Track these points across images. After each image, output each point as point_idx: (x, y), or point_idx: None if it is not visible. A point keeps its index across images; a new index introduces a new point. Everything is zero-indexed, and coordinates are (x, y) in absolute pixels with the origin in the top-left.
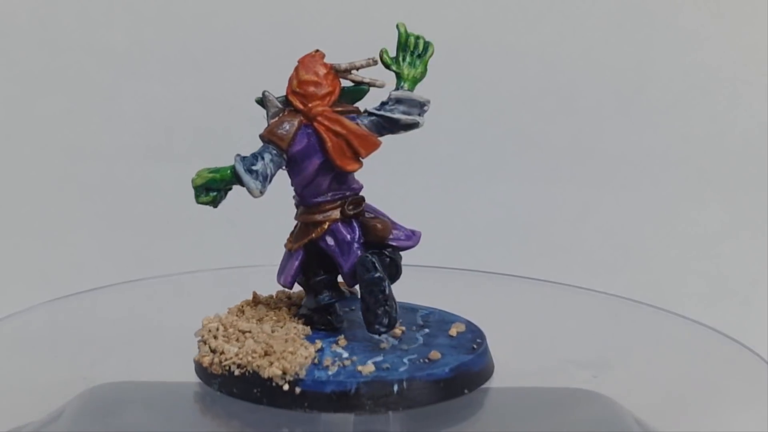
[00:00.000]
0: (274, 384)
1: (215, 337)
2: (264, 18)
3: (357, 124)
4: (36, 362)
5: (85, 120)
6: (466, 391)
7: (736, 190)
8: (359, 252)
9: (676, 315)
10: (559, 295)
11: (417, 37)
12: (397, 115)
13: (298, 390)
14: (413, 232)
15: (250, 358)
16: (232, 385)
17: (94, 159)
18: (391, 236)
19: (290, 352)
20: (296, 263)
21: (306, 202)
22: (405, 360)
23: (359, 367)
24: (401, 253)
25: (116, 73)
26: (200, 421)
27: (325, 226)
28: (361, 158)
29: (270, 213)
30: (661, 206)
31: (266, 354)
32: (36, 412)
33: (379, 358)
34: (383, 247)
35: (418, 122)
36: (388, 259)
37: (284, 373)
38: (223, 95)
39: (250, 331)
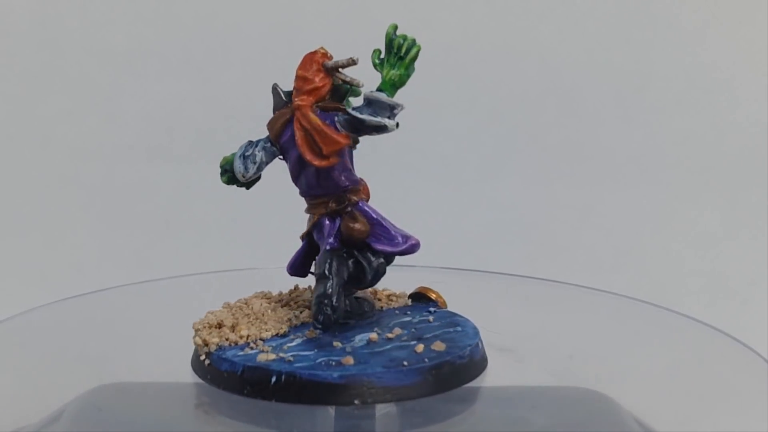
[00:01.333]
0: (201, 357)
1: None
2: (264, 18)
3: (328, 122)
4: (36, 363)
5: (86, 120)
6: (356, 401)
7: (735, 190)
8: (327, 247)
9: (677, 313)
10: (559, 294)
11: (403, 39)
12: (363, 116)
13: (207, 363)
14: (405, 238)
15: (205, 332)
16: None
17: (94, 159)
18: (371, 238)
19: (231, 327)
20: (299, 252)
21: (302, 195)
22: (319, 360)
23: (264, 355)
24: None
25: (116, 73)
26: (200, 421)
27: (315, 219)
28: (324, 155)
29: (270, 214)
30: (662, 206)
31: (218, 326)
32: (36, 413)
33: (306, 353)
34: (360, 248)
35: (386, 125)
36: (352, 260)
37: (205, 344)
38: (223, 95)
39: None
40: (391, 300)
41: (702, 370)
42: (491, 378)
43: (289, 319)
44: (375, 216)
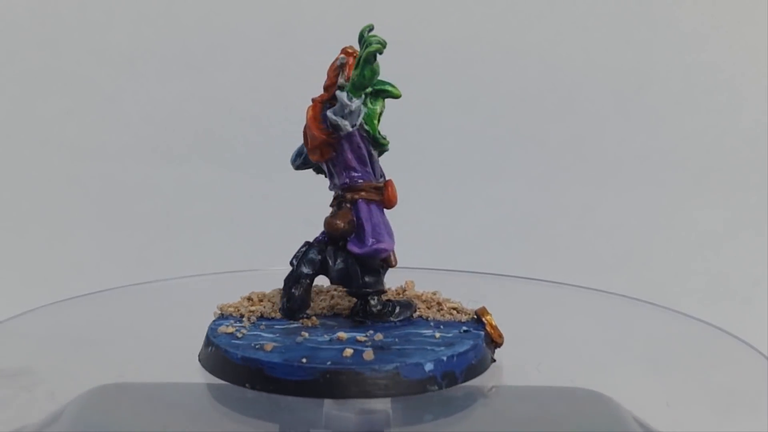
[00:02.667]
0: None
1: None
2: (264, 18)
3: (321, 118)
4: (36, 363)
5: (86, 120)
6: (246, 385)
7: (736, 190)
8: (312, 239)
9: (677, 313)
10: (560, 294)
11: (368, 39)
12: (328, 113)
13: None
14: (376, 242)
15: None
16: None
17: (94, 159)
18: (351, 238)
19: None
20: None
21: None
22: (253, 342)
23: (224, 328)
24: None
25: (116, 73)
26: (200, 421)
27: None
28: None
29: (270, 215)
30: (662, 206)
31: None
32: (36, 412)
33: (267, 334)
34: (341, 246)
35: (339, 125)
36: (319, 256)
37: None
38: (223, 95)
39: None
40: (450, 313)
41: (703, 370)
42: (491, 378)
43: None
44: (363, 217)
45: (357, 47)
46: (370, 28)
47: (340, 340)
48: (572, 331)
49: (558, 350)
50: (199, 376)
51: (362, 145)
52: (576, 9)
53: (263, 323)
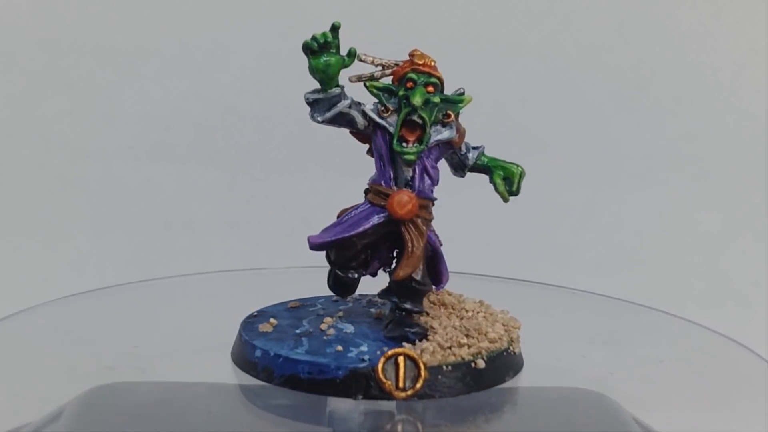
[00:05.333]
0: None
1: None
2: (264, 18)
3: None
4: (36, 362)
5: (85, 120)
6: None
7: (737, 191)
8: None
9: (676, 317)
10: (559, 297)
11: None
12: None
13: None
14: (323, 234)
15: None
16: None
17: (94, 159)
18: None
19: None
20: None
21: None
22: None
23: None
24: None
25: (116, 73)
26: (200, 421)
27: None
28: None
29: (270, 215)
30: (662, 207)
31: None
32: (36, 412)
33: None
34: None
35: (311, 115)
36: None
37: None
38: (222, 95)
39: None
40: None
41: (702, 372)
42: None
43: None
44: (352, 212)
45: (366, 51)
46: (335, 26)
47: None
48: (572, 333)
49: (558, 350)
50: (200, 375)
51: (382, 144)
52: (576, 9)
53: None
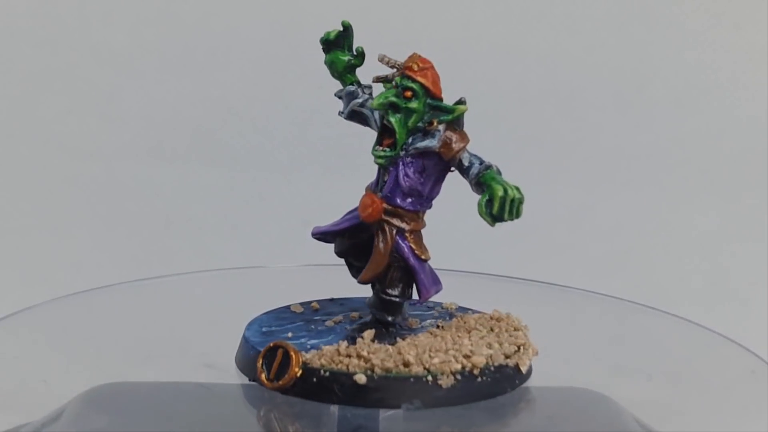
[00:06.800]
0: None
1: None
2: (264, 18)
3: None
4: (36, 362)
5: (85, 120)
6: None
7: (735, 191)
8: None
9: (676, 317)
10: (558, 296)
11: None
12: None
13: None
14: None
15: None
16: None
17: (94, 159)
18: None
19: None
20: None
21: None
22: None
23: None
24: None
25: (116, 73)
26: (202, 421)
27: None
28: None
29: (270, 215)
30: (661, 207)
31: None
32: (36, 412)
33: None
34: None
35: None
36: None
37: None
38: (223, 95)
39: None
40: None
41: (702, 372)
42: None
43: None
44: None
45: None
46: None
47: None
48: (572, 333)
49: (558, 350)
50: (200, 375)
51: None
52: (576, 9)
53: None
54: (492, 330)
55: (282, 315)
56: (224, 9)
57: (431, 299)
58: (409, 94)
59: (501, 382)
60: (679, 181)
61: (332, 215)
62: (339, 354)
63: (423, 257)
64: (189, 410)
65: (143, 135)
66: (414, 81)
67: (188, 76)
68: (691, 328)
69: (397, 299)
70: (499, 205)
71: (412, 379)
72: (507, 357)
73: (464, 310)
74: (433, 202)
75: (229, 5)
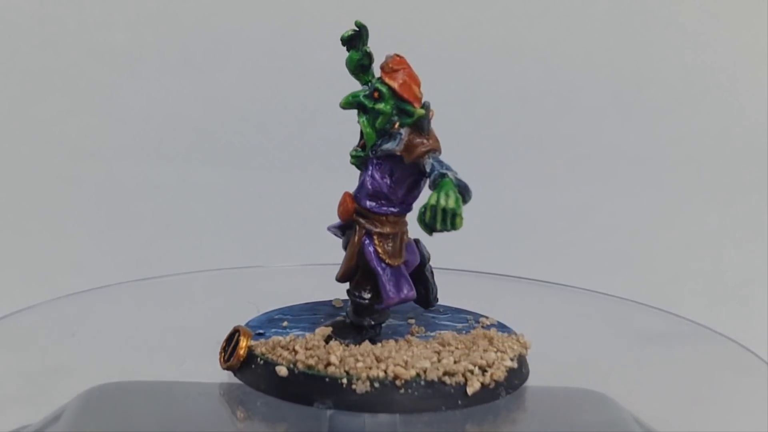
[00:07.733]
0: None
1: None
2: (264, 18)
3: None
4: (36, 362)
5: (85, 120)
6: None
7: (735, 191)
8: None
9: (676, 316)
10: (558, 295)
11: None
12: None
13: None
14: None
15: None
16: None
17: (94, 159)
18: None
19: None
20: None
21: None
22: None
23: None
24: None
25: (116, 73)
26: (202, 421)
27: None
28: None
29: (270, 214)
30: (661, 207)
31: None
32: (36, 412)
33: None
34: None
35: None
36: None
37: None
38: (223, 96)
39: None
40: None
41: (702, 371)
42: None
43: None
44: None
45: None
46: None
47: None
48: (571, 332)
49: (558, 350)
50: (201, 374)
51: None
52: (576, 9)
53: None
54: (469, 347)
55: (305, 308)
56: (224, 9)
57: (471, 311)
58: (377, 95)
59: (430, 398)
60: (679, 181)
61: (332, 215)
62: (280, 345)
63: (388, 261)
64: (189, 410)
65: (143, 135)
66: (383, 83)
67: (188, 76)
68: (691, 328)
69: (366, 302)
70: (431, 214)
71: (327, 379)
72: (449, 375)
73: (504, 328)
74: (413, 206)
75: (229, 5)
